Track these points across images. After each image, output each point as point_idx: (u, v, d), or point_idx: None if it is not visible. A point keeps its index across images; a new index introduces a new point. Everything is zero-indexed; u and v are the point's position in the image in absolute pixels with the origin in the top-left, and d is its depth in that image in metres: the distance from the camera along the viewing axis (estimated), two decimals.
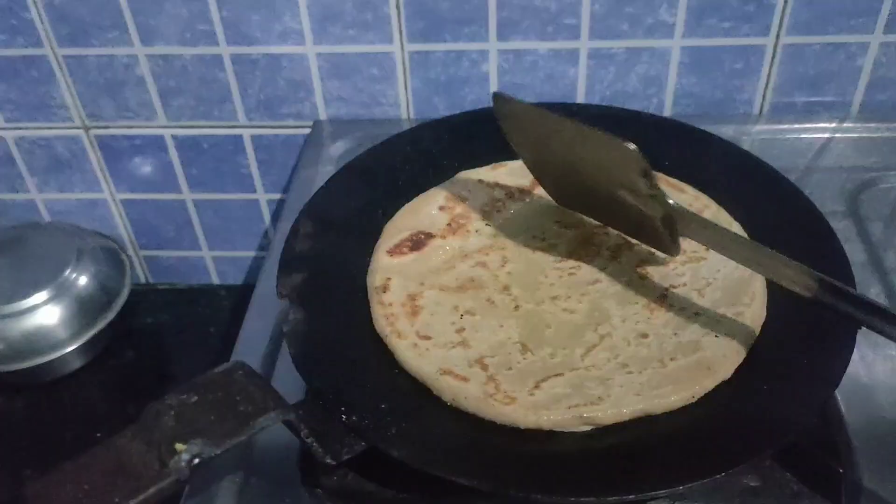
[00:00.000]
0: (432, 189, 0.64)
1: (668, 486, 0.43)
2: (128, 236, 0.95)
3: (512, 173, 0.65)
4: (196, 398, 0.42)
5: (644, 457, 0.46)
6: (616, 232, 0.60)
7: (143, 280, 1.00)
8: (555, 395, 0.49)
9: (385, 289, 0.56)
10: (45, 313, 0.82)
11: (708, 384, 0.49)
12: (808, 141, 0.76)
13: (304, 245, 0.59)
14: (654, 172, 0.63)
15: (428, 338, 0.52)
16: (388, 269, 0.57)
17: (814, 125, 0.77)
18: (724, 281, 0.55)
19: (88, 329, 0.84)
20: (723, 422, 0.48)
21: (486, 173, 0.65)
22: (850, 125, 0.76)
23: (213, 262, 0.97)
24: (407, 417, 0.48)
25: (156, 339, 0.93)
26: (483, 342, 0.52)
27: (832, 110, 0.78)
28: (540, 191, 0.64)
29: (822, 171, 0.72)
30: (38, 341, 0.82)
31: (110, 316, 0.85)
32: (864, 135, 0.75)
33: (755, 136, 0.77)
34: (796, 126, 0.77)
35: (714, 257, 0.57)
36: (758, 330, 0.52)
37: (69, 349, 0.83)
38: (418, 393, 0.50)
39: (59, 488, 0.38)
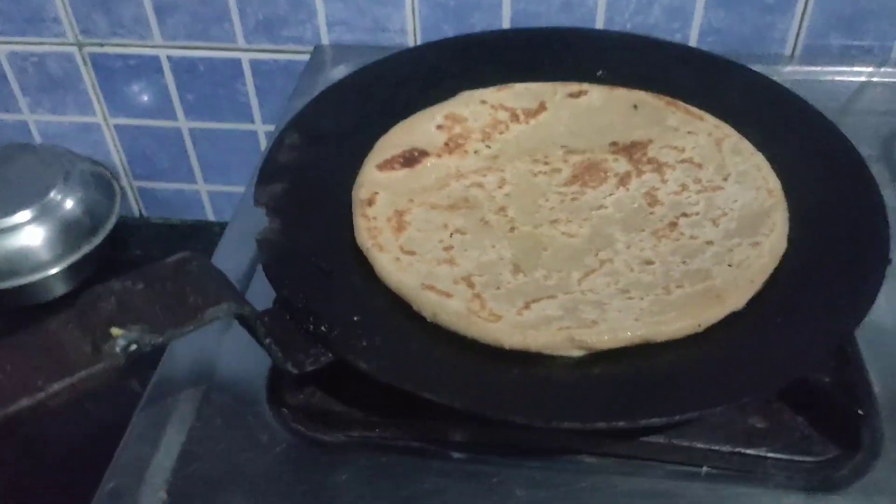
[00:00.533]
0: (431, 107, 0.59)
1: (660, 416, 0.39)
2: (122, 165, 0.91)
3: (517, 95, 0.61)
4: (142, 286, 0.38)
5: (638, 385, 0.42)
6: (626, 159, 0.55)
7: (136, 213, 0.96)
8: (545, 317, 0.44)
9: (371, 202, 0.51)
10: (28, 233, 0.79)
11: (716, 314, 0.44)
12: (842, 84, 0.70)
13: (287, 156, 0.55)
14: (674, 100, 0.59)
15: (412, 253, 0.48)
16: (376, 183, 0.53)
17: (850, 68, 0.71)
18: (742, 211, 0.50)
19: (72, 253, 0.81)
20: (728, 354, 0.43)
21: (490, 94, 0.60)
22: (889, 69, 0.71)
23: (208, 196, 0.93)
24: (379, 331, 0.44)
25: None
26: (472, 261, 0.48)
27: (870, 54, 0.72)
28: (546, 114, 0.59)
29: (856, 114, 0.67)
30: (19, 261, 0.79)
31: (96, 241, 0.82)
32: None
33: (786, 78, 0.71)
34: (831, 69, 0.71)
35: (732, 187, 0.52)
36: (776, 261, 0.47)
37: (51, 272, 0.80)
38: (394, 308, 0.46)
39: None
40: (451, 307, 0.44)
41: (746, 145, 0.55)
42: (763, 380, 0.41)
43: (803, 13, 0.71)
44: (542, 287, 0.46)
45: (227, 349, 0.50)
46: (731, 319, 0.45)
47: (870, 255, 0.47)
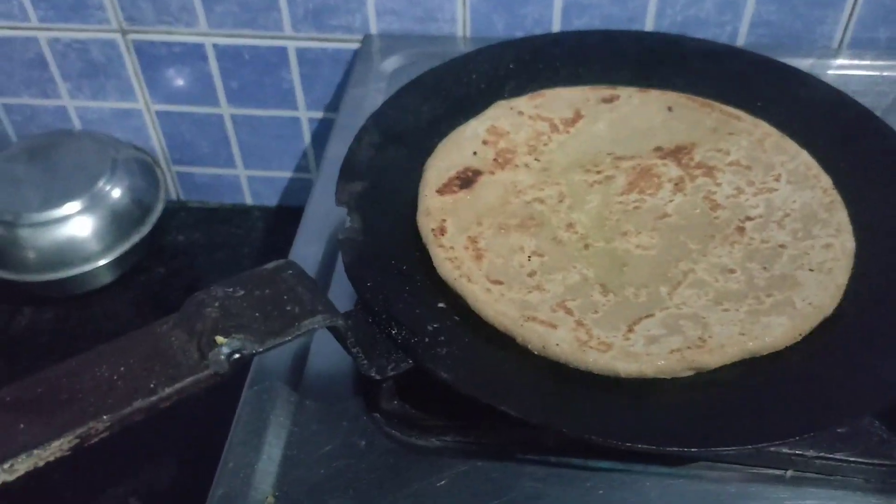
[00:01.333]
0: (469, 122, 0.59)
1: (781, 438, 0.41)
2: (161, 150, 0.92)
3: (551, 103, 0.61)
4: (242, 292, 0.40)
5: (748, 405, 0.43)
6: (675, 163, 0.56)
7: (174, 197, 0.97)
8: (651, 337, 0.45)
9: (442, 231, 0.51)
10: (77, 224, 0.79)
11: (812, 321, 0.46)
12: (891, 79, 0.71)
13: (367, 154, 0.56)
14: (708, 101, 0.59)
15: (499, 282, 0.49)
16: (441, 209, 0.53)
17: None
18: (802, 211, 0.52)
19: (121, 243, 0.81)
20: (830, 366, 0.44)
21: (525, 104, 0.61)
22: None
23: (247, 181, 0.94)
24: (457, 341, 0.45)
25: (187, 257, 0.91)
26: (558, 284, 0.49)
27: None
28: (584, 122, 0.60)
29: None
30: (69, 252, 0.79)
31: (144, 231, 0.83)
32: None
33: (835, 71, 0.73)
34: (880, 63, 0.72)
35: (786, 188, 0.54)
36: (852, 261, 0.49)
37: (101, 263, 0.80)
38: (472, 315, 0.47)
39: (93, 368, 0.36)
40: (560, 338, 0.45)
41: (789, 143, 0.57)
42: (869, 396, 0.43)
43: (853, 6, 0.72)
44: (635, 305, 0.47)
45: (315, 353, 0.52)
46: (824, 325, 0.46)
47: None
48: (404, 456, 0.47)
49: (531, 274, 0.49)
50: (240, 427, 0.48)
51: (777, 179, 0.54)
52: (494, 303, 0.47)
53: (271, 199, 0.95)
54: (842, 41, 0.74)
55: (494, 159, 0.57)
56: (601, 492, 0.45)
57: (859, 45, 0.74)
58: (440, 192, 0.54)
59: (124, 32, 0.81)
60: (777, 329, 0.45)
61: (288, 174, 0.92)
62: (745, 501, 0.44)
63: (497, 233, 0.52)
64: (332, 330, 0.42)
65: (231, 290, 0.39)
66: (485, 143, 0.57)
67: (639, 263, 0.50)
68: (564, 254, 0.51)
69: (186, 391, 0.36)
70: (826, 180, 0.54)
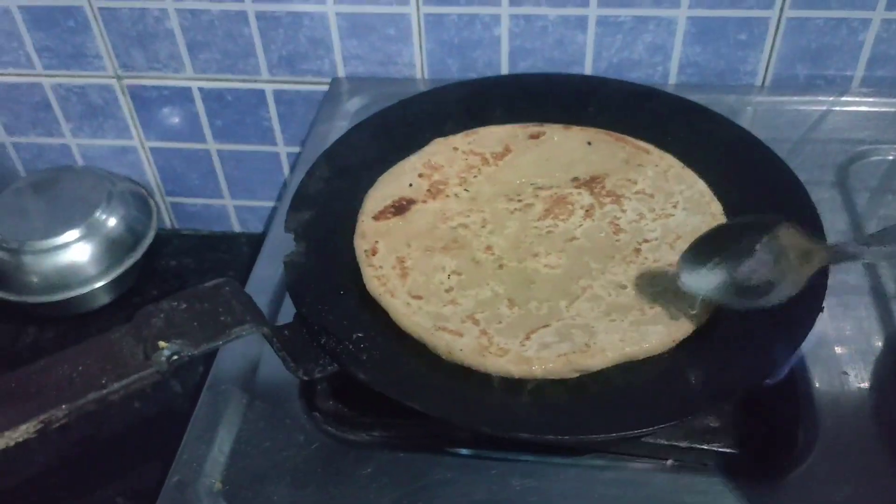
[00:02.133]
0: (409, 157, 0.67)
1: (638, 428, 0.48)
2: (155, 182, 1.00)
3: (484, 140, 0.68)
4: (184, 306, 0.47)
5: (623, 401, 0.50)
6: (588, 192, 0.63)
7: (168, 225, 1.05)
8: (543, 344, 0.52)
9: (374, 252, 0.59)
10: (76, 250, 0.88)
11: (686, 329, 0.52)
12: (806, 113, 0.78)
13: (316, 186, 0.64)
14: (623, 136, 0.67)
15: (419, 297, 0.56)
16: (375, 232, 0.60)
17: (814, 98, 0.79)
18: (692, 234, 0.58)
19: (116, 267, 0.89)
20: (695, 368, 0.51)
21: (460, 140, 0.68)
22: (849, 99, 0.78)
23: (234, 210, 1.02)
24: (378, 348, 0.52)
25: (178, 280, 0.99)
26: (472, 299, 0.56)
27: (833, 84, 0.80)
28: (512, 156, 0.67)
29: (816, 142, 0.74)
30: (69, 276, 0.87)
31: (137, 256, 0.91)
32: (862, 109, 0.77)
33: (756, 107, 0.80)
34: (796, 98, 0.79)
35: (681, 213, 0.60)
36: None
37: (97, 285, 0.88)
38: (393, 327, 0.54)
39: (58, 366, 0.44)
40: (464, 344, 0.52)
41: (688, 173, 0.64)
42: (722, 393, 0.50)
43: (772, 47, 0.79)
44: (536, 317, 0.54)
45: (266, 361, 0.59)
46: (699, 332, 0.53)
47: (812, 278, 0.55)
48: (337, 449, 0.54)
49: (448, 290, 0.56)
50: (196, 424, 0.56)
51: (675, 206, 0.61)
52: (412, 315, 0.54)
53: (257, 226, 1.03)
54: (764, 79, 0.81)
55: (428, 190, 0.64)
56: (506, 479, 0.52)
57: (780, 81, 0.81)
58: (376, 218, 0.61)
59: (119, 78, 0.90)
60: (653, 336, 0.52)
61: (271, 203, 1.01)
62: (629, 488, 0.51)
63: (423, 254, 0.59)
64: (263, 336, 0.49)
65: (175, 303, 0.47)
66: (420, 175, 0.65)
67: (545, 281, 0.57)
68: (480, 273, 0.58)
69: (133, 386, 0.44)
70: (717, 206, 0.61)
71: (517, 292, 0.56)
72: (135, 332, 0.45)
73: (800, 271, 0.49)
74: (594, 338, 0.52)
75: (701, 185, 0.62)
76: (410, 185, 0.64)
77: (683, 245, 0.58)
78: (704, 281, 0.50)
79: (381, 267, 0.57)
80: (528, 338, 0.53)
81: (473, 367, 0.51)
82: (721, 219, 0.60)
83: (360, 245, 0.59)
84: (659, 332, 0.52)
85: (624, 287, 0.56)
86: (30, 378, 0.43)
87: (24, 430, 0.40)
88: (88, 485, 0.79)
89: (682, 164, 0.64)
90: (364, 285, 0.57)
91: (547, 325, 0.53)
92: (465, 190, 0.64)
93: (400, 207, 0.62)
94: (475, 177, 0.65)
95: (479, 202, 0.63)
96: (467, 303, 0.55)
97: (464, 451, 0.53)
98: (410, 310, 0.54)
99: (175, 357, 0.45)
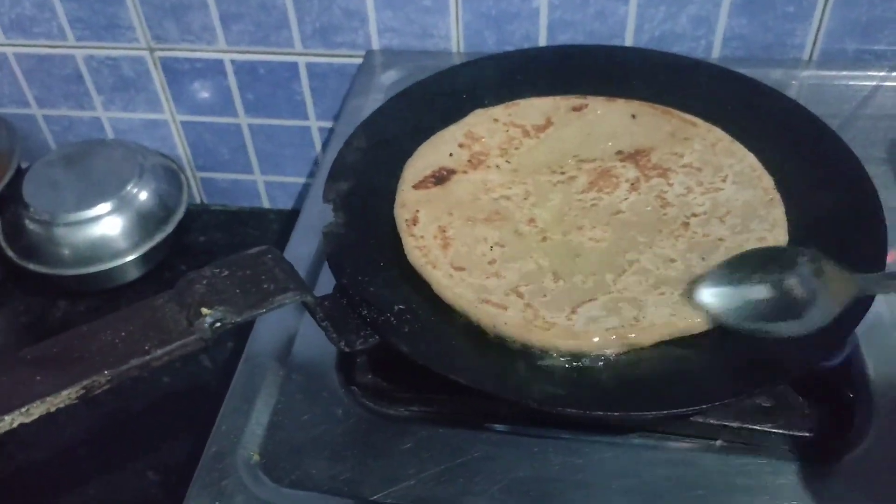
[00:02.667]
0: (449, 127, 0.65)
1: (687, 406, 0.46)
2: (186, 157, 0.99)
3: (525, 112, 0.67)
4: (227, 273, 0.46)
5: (674, 378, 0.49)
6: (633, 165, 0.62)
7: (198, 200, 1.04)
8: (591, 318, 0.51)
9: (415, 221, 0.58)
10: (107, 224, 0.87)
11: None
12: (855, 88, 0.75)
13: (354, 157, 0.62)
14: (668, 109, 0.65)
15: (461, 269, 0.54)
16: (416, 202, 0.59)
17: (863, 73, 0.76)
18: (744, 209, 0.57)
19: (147, 241, 0.89)
20: (748, 345, 0.49)
21: (501, 112, 0.67)
22: None
23: (264, 186, 1.01)
24: (420, 320, 0.51)
25: (208, 255, 0.98)
26: (515, 272, 0.54)
27: (883, 59, 0.78)
28: (553, 129, 0.65)
29: (867, 118, 0.72)
30: (100, 249, 0.87)
31: (168, 230, 0.90)
32: None
33: (804, 82, 0.77)
34: (845, 73, 0.77)
35: (731, 187, 0.59)
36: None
37: (128, 259, 0.88)
38: (436, 303, 0.53)
39: (101, 332, 0.43)
40: (508, 318, 0.51)
41: (738, 147, 0.62)
42: (776, 373, 0.48)
43: (821, 20, 0.76)
44: (582, 290, 0.53)
45: (302, 334, 0.58)
46: None
47: (867, 254, 0.53)
48: (375, 423, 0.53)
49: (491, 262, 0.55)
50: (233, 396, 0.55)
51: (724, 180, 0.59)
52: (454, 287, 0.53)
53: (286, 203, 1.02)
54: (812, 53, 0.79)
55: (468, 160, 0.63)
56: (547, 456, 0.50)
57: (828, 56, 0.78)
58: (416, 187, 0.60)
59: (152, 50, 0.89)
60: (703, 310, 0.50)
61: (301, 179, 1.00)
62: (676, 468, 0.49)
63: (465, 224, 0.58)
64: (305, 305, 0.48)
65: (218, 270, 0.46)
66: (461, 146, 0.64)
67: (590, 254, 0.55)
68: (524, 245, 0.56)
69: (175, 353, 0.43)
70: (768, 181, 0.59)
71: (562, 265, 0.55)
72: (178, 299, 0.44)
73: (833, 299, 0.47)
74: (643, 311, 0.50)
75: (751, 158, 0.60)
76: (451, 154, 0.63)
77: (733, 219, 0.56)
78: (730, 299, 0.49)
79: (422, 237, 0.56)
80: (574, 311, 0.51)
81: (518, 341, 0.50)
82: (773, 193, 0.58)
83: (401, 215, 0.58)
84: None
85: (673, 261, 0.54)
86: (72, 343, 0.42)
87: (65, 396, 0.40)
88: (118, 458, 0.79)
89: (730, 138, 0.62)
90: (405, 256, 0.56)
91: (594, 299, 0.52)
92: (507, 161, 0.63)
93: (440, 177, 0.61)
94: (516, 149, 0.64)
95: (520, 174, 0.62)
96: (511, 275, 0.54)
97: (504, 428, 0.52)
98: (453, 282, 0.53)
99: (218, 324, 0.44)
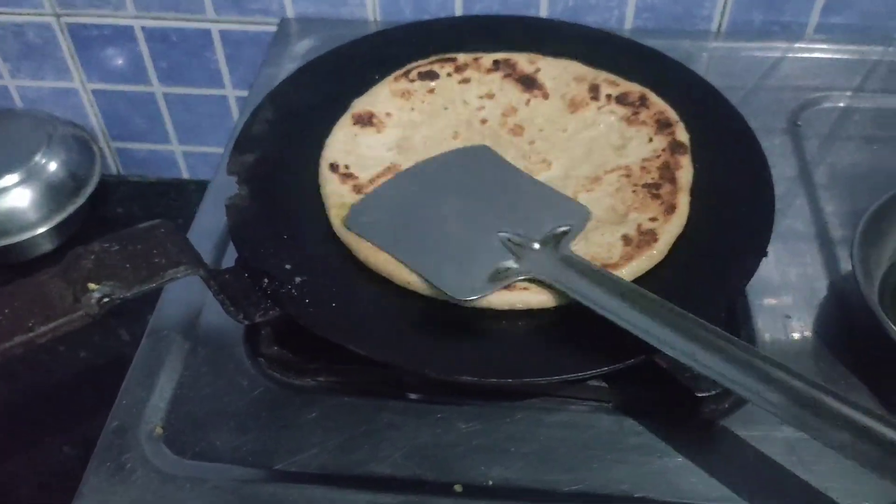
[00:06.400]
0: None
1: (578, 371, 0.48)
2: (99, 127, 0.97)
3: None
4: (116, 247, 0.46)
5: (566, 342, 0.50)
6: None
7: (114, 171, 1.02)
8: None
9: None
10: (15, 195, 0.85)
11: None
12: (761, 59, 0.77)
13: (261, 128, 0.62)
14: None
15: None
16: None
17: (769, 44, 0.78)
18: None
19: (58, 213, 0.87)
20: None
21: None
22: (803, 45, 0.78)
23: (182, 156, 0.99)
24: (321, 292, 0.51)
25: (125, 228, 0.96)
26: None
27: (789, 30, 0.80)
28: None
29: (770, 89, 0.74)
30: (8, 222, 0.85)
31: (80, 202, 0.88)
32: (815, 55, 0.77)
33: (712, 53, 0.79)
34: (751, 45, 0.79)
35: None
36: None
37: (39, 231, 0.86)
38: (343, 271, 0.53)
39: None
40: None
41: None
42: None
43: None
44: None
45: (209, 307, 0.58)
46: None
47: (757, 223, 0.55)
48: (281, 394, 0.53)
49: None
50: (136, 370, 0.54)
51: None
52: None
53: (207, 174, 1.01)
54: (720, 24, 0.81)
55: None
56: (452, 422, 0.52)
57: (736, 27, 0.80)
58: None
59: (58, 16, 0.86)
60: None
61: (220, 149, 0.97)
62: (573, 430, 0.51)
63: None
64: (202, 279, 0.48)
65: (107, 245, 0.45)
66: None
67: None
68: None
69: (61, 329, 0.42)
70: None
71: None
72: (63, 275, 0.44)
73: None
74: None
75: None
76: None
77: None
78: None
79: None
80: None
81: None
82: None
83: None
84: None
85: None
86: None
87: None
88: (34, 434, 0.78)
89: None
90: (308, 229, 0.56)
91: None
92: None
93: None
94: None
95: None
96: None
97: (411, 397, 0.53)
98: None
99: (106, 299, 0.43)
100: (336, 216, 0.56)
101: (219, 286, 0.48)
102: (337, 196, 0.57)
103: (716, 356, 0.45)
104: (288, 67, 0.77)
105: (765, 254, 0.53)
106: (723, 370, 0.44)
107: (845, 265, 0.59)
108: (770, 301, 0.57)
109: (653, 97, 0.62)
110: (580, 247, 0.54)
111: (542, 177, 0.59)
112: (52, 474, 0.76)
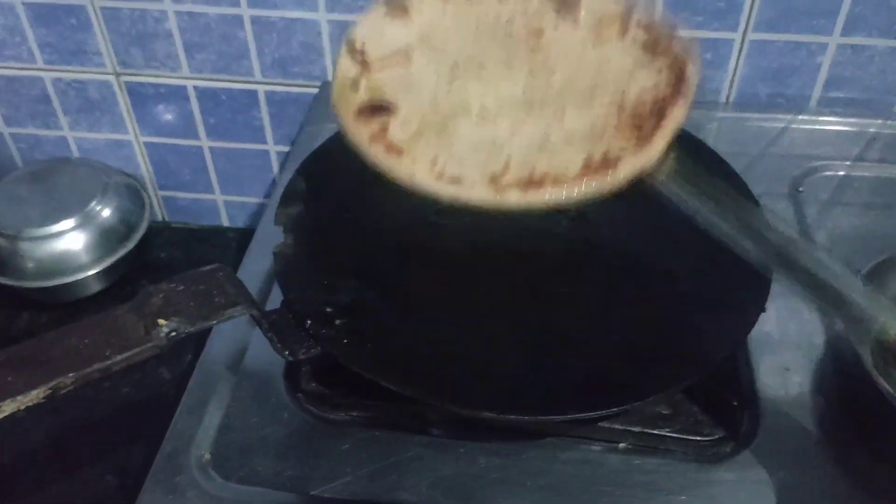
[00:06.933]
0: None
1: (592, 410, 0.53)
2: (149, 176, 1.04)
3: None
4: (182, 287, 0.52)
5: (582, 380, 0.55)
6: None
7: (159, 218, 1.09)
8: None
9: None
10: (71, 239, 0.91)
11: None
12: (767, 129, 0.83)
13: (304, 185, 0.68)
14: None
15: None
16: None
17: (774, 115, 0.84)
18: None
19: (109, 257, 0.93)
20: (644, 357, 0.56)
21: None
22: (806, 117, 0.84)
23: (223, 205, 1.06)
24: (358, 333, 0.57)
25: (168, 271, 1.02)
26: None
27: (793, 102, 0.86)
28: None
29: (774, 157, 0.80)
30: (63, 263, 0.91)
31: (129, 246, 0.95)
32: (818, 127, 0.83)
33: (721, 122, 0.85)
34: (757, 115, 0.84)
35: None
36: None
37: (90, 273, 0.92)
38: (376, 317, 0.59)
39: (66, 338, 0.48)
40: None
41: None
42: (667, 383, 0.54)
43: (736, 67, 0.84)
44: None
45: (254, 346, 0.63)
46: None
47: (756, 279, 0.59)
48: (318, 427, 0.58)
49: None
50: (188, 400, 0.60)
51: None
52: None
53: (245, 221, 1.08)
54: (728, 96, 0.87)
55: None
56: (473, 457, 0.56)
57: (743, 98, 0.86)
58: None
59: (118, 75, 0.94)
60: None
61: (259, 199, 1.05)
62: (585, 467, 0.56)
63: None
64: (254, 319, 0.54)
65: (174, 285, 0.51)
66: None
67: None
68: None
69: (134, 359, 0.48)
70: None
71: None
72: (136, 310, 0.50)
73: None
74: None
75: None
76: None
77: None
78: None
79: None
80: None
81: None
82: None
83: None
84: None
85: None
86: (40, 348, 0.47)
87: (34, 396, 0.44)
88: (79, 463, 0.83)
89: None
90: (348, 275, 0.61)
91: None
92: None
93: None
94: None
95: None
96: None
97: (434, 431, 0.58)
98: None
99: (173, 333, 0.49)
100: (338, 86, 0.55)
101: (268, 325, 0.54)
102: (344, 69, 0.57)
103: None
104: (328, 127, 0.83)
105: (763, 309, 0.57)
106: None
107: (841, 323, 0.63)
108: (770, 354, 0.62)
109: (681, 38, 0.57)
110: (543, 157, 0.52)
111: (540, 82, 0.56)
112: (94, 500, 0.80)
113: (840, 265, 0.50)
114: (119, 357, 0.47)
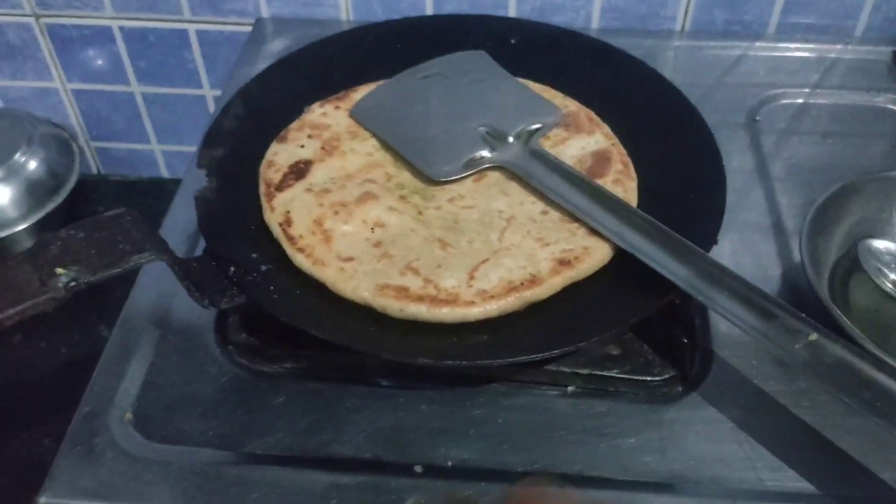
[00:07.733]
0: (295, 122, 0.64)
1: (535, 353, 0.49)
2: (79, 126, 0.98)
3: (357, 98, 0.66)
4: (83, 234, 0.48)
5: (527, 330, 0.52)
6: None
7: (94, 171, 1.04)
8: (489, 280, 0.52)
9: (289, 223, 0.56)
10: None
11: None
12: (723, 57, 0.80)
13: (230, 124, 0.63)
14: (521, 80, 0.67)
15: (350, 259, 0.54)
16: (284, 203, 0.57)
17: (730, 43, 0.80)
18: (591, 154, 0.61)
19: (37, 211, 0.88)
20: (593, 297, 0.53)
21: (340, 101, 0.66)
22: (764, 44, 0.80)
23: (161, 155, 1.01)
24: (285, 280, 0.53)
25: None
26: (403, 248, 0.55)
27: (750, 29, 0.82)
28: None
29: (730, 86, 0.76)
30: None
31: (58, 200, 0.90)
32: (776, 54, 0.80)
33: (676, 51, 0.81)
34: (713, 43, 0.81)
35: (575, 139, 0.62)
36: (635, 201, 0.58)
37: (17, 229, 0.87)
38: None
39: None
40: (412, 297, 0.51)
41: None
42: (616, 319, 0.52)
43: None
44: (472, 252, 0.54)
45: (180, 297, 0.59)
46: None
47: (708, 211, 0.57)
48: (249, 380, 0.55)
49: (377, 244, 0.55)
50: (107, 358, 0.56)
51: (567, 129, 0.63)
52: (350, 280, 0.53)
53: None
54: (684, 24, 0.83)
55: (322, 148, 0.62)
56: (413, 406, 0.53)
57: (699, 27, 0.83)
58: (279, 188, 0.58)
59: (37, 17, 0.88)
60: (596, 253, 0.54)
61: None
62: (531, 413, 0.53)
63: (340, 211, 0.57)
64: (168, 266, 0.50)
65: (74, 231, 0.47)
66: (309, 136, 0.63)
67: (468, 220, 0.57)
68: (403, 222, 0.57)
69: (28, 312, 0.44)
70: (606, 128, 0.63)
71: (445, 234, 0.56)
72: (31, 260, 0.45)
73: None
74: (537, 266, 0.53)
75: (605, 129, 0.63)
76: (302, 146, 0.62)
77: (582, 164, 0.60)
78: None
79: (301, 237, 0.55)
80: (472, 277, 0.53)
81: (428, 320, 0.51)
82: (614, 138, 0.62)
83: (273, 220, 0.57)
84: (599, 248, 0.54)
85: (545, 212, 0.57)
86: None
87: None
88: (14, 427, 0.80)
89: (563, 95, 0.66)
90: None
91: (486, 260, 0.54)
92: (359, 145, 0.63)
93: (299, 171, 0.60)
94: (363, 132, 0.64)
95: (376, 156, 0.62)
96: (401, 252, 0.54)
97: (380, 382, 0.55)
98: (346, 275, 0.53)
99: (72, 283, 0.45)
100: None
101: (184, 273, 0.50)
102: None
103: (678, 261, 0.51)
104: (261, 66, 0.78)
105: (715, 241, 0.54)
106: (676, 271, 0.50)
107: (797, 255, 0.61)
108: None
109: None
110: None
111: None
112: (31, 466, 0.77)
113: None
114: (11, 311, 0.43)
